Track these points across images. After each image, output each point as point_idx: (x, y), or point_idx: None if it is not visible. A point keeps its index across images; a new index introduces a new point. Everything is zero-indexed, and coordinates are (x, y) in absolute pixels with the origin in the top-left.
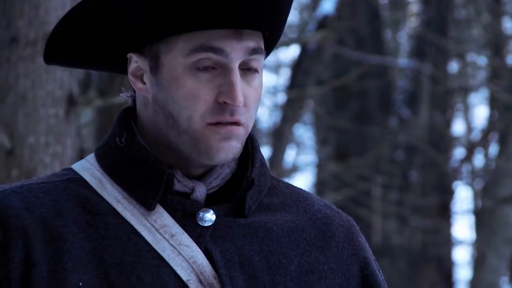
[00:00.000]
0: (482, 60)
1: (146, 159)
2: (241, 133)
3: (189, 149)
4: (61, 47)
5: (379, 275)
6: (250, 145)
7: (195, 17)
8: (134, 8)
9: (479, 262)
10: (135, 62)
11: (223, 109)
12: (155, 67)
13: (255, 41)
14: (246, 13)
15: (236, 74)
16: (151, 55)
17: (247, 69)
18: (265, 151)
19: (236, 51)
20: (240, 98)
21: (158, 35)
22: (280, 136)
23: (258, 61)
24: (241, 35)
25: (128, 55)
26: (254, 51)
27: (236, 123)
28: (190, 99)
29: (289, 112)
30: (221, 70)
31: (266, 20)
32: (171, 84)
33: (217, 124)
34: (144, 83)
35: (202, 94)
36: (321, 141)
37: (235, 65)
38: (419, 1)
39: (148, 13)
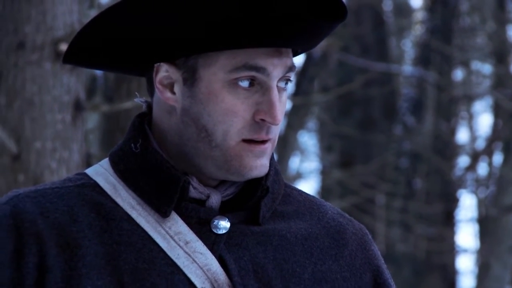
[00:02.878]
0: (486, 68)
1: (161, 166)
2: (270, 150)
3: (219, 164)
4: (86, 48)
5: (392, 284)
6: None
7: (241, 36)
8: (177, 22)
9: (483, 271)
10: (165, 71)
11: (260, 126)
12: (190, 80)
13: (290, 58)
14: (291, 34)
15: (275, 93)
16: (186, 67)
17: (280, 86)
18: None
19: (276, 69)
20: (279, 117)
21: (198, 50)
22: (285, 143)
23: (290, 77)
24: (281, 53)
25: (157, 64)
26: (290, 69)
27: (268, 140)
28: (227, 115)
29: (294, 119)
30: (259, 87)
31: (307, 41)
32: (208, 98)
33: (251, 141)
34: (173, 93)
35: (240, 110)
36: (326, 148)
37: (274, 84)
38: (424, 8)
39: (192, 29)
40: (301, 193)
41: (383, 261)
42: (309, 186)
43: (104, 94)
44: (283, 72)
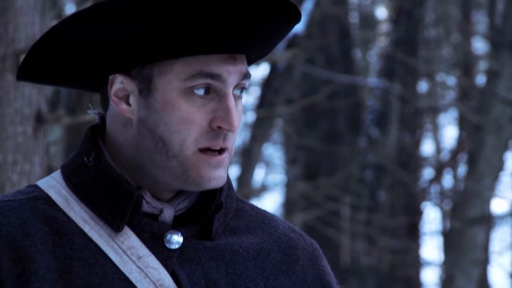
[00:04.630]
0: (451, 80)
1: (114, 180)
2: (227, 160)
3: (176, 174)
4: (38, 64)
5: None
6: None
7: (195, 43)
8: (131, 32)
9: (447, 283)
10: (120, 83)
11: (217, 134)
12: (146, 90)
13: (245, 66)
14: (244, 38)
15: (232, 100)
16: (142, 78)
17: (235, 94)
18: (234, 170)
19: (231, 76)
20: (236, 124)
21: (153, 58)
22: (249, 155)
23: (245, 85)
24: (235, 59)
25: (112, 76)
26: (245, 76)
27: (224, 149)
28: (184, 124)
29: (258, 131)
30: (215, 94)
31: (260, 46)
32: (164, 107)
33: (207, 151)
34: (129, 104)
35: (197, 119)
36: (290, 160)
37: (230, 90)
38: (389, 20)
39: (145, 38)
40: (252, 207)
41: (333, 277)
42: (273, 198)
43: (67, 107)
44: (238, 79)
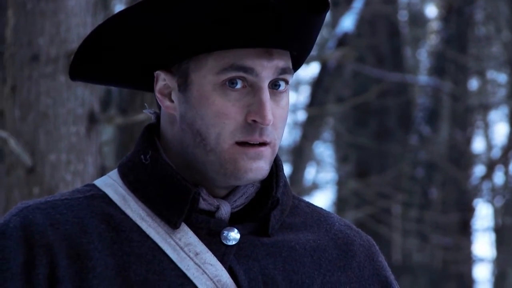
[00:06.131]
0: (502, 77)
1: (171, 177)
2: (269, 153)
3: (216, 168)
4: (87, 63)
5: None
6: (274, 164)
7: (227, 37)
8: (166, 28)
9: (499, 280)
10: (163, 80)
11: (253, 128)
12: (183, 85)
13: (284, 61)
14: (277, 33)
15: (266, 93)
16: (180, 73)
17: (276, 89)
18: (285, 169)
19: (266, 70)
20: (269, 117)
21: (188, 53)
22: (300, 154)
23: (286, 80)
24: (271, 54)
25: (156, 72)
26: (283, 70)
27: (264, 143)
28: (219, 117)
29: (309, 130)
30: (250, 89)
31: (296, 40)
32: (200, 102)
33: (245, 144)
34: (172, 101)
35: (232, 112)
36: (341, 158)
37: (265, 84)
38: (439, 18)
39: (180, 33)
40: (308, 204)
41: (390, 272)
42: (325, 196)
43: (119, 107)
44: (274, 74)
